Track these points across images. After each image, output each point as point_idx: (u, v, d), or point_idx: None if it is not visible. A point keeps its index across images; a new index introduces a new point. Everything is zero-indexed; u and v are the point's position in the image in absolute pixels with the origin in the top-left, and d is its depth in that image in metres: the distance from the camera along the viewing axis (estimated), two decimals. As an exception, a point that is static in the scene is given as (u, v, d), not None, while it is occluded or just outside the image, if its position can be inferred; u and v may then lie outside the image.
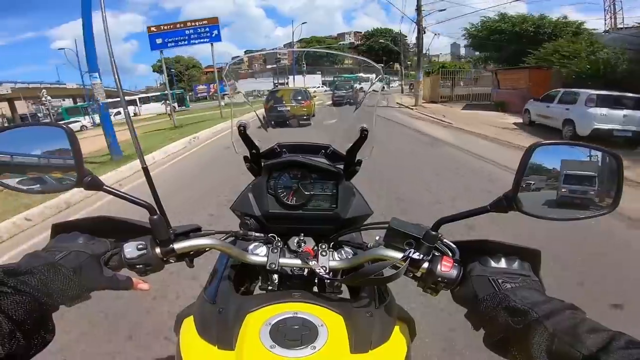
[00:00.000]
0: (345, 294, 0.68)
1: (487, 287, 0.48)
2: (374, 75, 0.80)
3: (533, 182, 0.50)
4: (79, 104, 31.51)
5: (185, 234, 0.59)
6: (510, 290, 0.46)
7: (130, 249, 0.54)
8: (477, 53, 29.46)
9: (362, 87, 0.95)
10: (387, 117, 11.65)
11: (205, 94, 39.88)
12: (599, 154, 0.50)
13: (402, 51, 35.83)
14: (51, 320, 0.45)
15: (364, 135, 0.67)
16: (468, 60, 25.45)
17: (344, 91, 1.45)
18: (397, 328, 0.56)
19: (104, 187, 0.52)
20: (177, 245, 0.56)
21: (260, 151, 0.74)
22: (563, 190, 0.50)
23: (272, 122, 0.79)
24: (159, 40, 14.79)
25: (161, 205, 0.56)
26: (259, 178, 0.73)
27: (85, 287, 0.49)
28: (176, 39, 14.96)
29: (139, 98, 30.55)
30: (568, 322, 0.39)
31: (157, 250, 0.55)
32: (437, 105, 16.52)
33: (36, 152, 0.54)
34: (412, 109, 15.33)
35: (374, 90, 0.80)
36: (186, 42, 15.03)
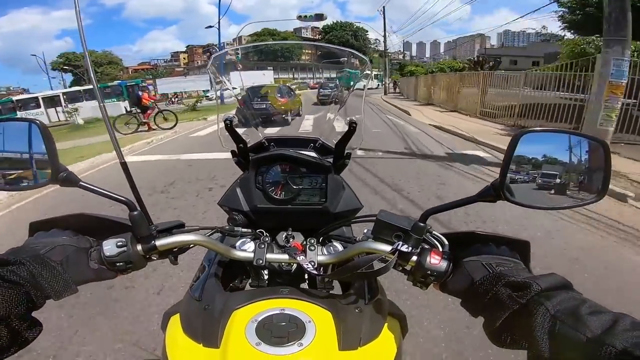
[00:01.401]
0: (337, 289, 0.69)
1: (481, 271, 0.50)
2: (359, 68, 0.83)
3: (520, 171, 0.52)
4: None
5: (168, 230, 0.60)
6: (506, 270, 0.48)
7: (110, 247, 0.54)
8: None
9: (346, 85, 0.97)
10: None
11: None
12: (586, 141, 0.52)
13: (385, 39, 31.96)
14: (34, 316, 0.47)
15: (352, 127, 0.70)
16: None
17: (329, 90, 1.23)
18: (387, 324, 0.58)
19: (80, 183, 0.53)
20: (159, 242, 0.57)
21: (248, 145, 0.75)
22: (550, 178, 0.52)
23: (245, 121, 0.83)
24: None
25: (142, 201, 0.57)
26: (247, 172, 0.75)
27: (72, 280, 0.51)
28: None
29: (64, 94, 21.98)
30: (569, 304, 0.39)
31: (138, 247, 0.56)
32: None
33: (10, 148, 0.55)
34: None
35: (358, 88, 0.81)
36: None
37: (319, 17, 15.74)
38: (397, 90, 30.35)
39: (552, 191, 0.53)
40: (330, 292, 0.67)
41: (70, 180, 0.53)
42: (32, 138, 0.52)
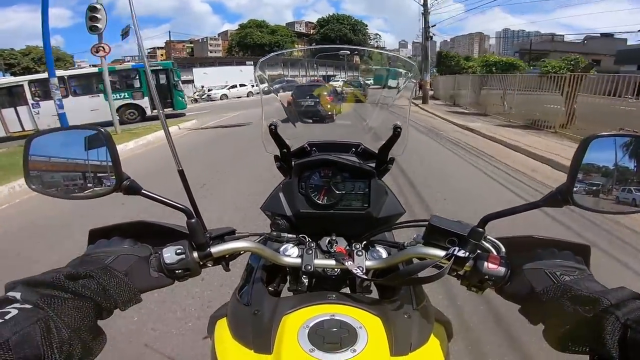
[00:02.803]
0: (374, 294, 0.72)
1: (544, 280, 0.51)
2: (403, 72, 0.87)
3: (589, 176, 0.53)
4: None
5: (221, 237, 0.64)
6: (571, 281, 0.49)
7: (170, 254, 0.58)
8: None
9: (369, 84, 1.07)
10: None
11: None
12: None
13: (425, 24, 19.19)
14: (100, 327, 0.50)
15: (397, 132, 0.72)
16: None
17: (353, 88, 1.16)
18: (434, 329, 0.60)
19: (143, 191, 0.57)
20: (214, 249, 0.61)
21: (291, 150, 0.78)
22: (619, 182, 0.53)
23: (294, 118, 0.88)
24: None
25: (197, 209, 0.61)
26: (289, 177, 0.78)
27: (137, 289, 0.54)
28: None
29: (32, 83, 13.59)
30: (639, 312, 0.41)
31: (195, 254, 0.59)
32: None
33: (74, 156, 0.58)
34: None
35: (406, 88, 0.84)
36: None
37: None
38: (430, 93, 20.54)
39: (621, 195, 0.54)
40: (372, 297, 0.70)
41: (133, 189, 0.56)
42: (96, 146, 0.55)
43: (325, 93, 1.10)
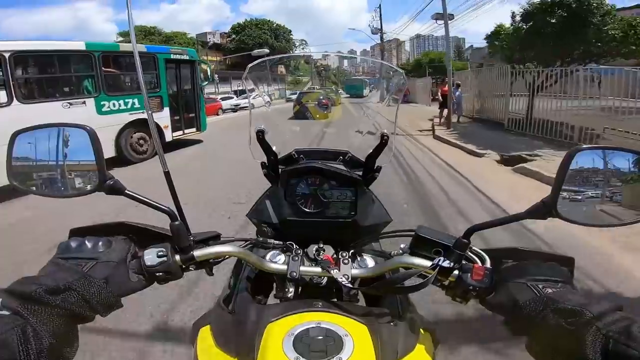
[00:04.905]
0: (361, 303, 0.74)
1: (527, 293, 0.53)
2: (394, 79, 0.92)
3: (573, 188, 0.54)
4: None
5: (205, 241, 0.63)
6: (554, 294, 0.51)
7: (151, 256, 0.57)
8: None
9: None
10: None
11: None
12: None
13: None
14: (77, 333, 0.52)
15: (384, 141, 0.74)
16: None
17: (355, 91, 1.32)
18: (421, 337, 0.62)
19: (126, 191, 0.57)
20: (197, 253, 0.60)
21: (278, 157, 0.79)
22: (603, 195, 0.55)
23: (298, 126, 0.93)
24: None
25: (182, 211, 0.61)
26: (276, 185, 0.79)
27: (117, 294, 0.56)
28: None
29: None
30: (621, 324, 0.43)
31: (177, 257, 0.59)
32: None
33: (57, 154, 0.57)
34: None
35: (394, 96, 0.87)
36: None
37: None
38: (475, 111, 11.97)
39: (605, 208, 0.55)
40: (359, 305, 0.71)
41: (116, 189, 0.56)
42: (81, 144, 0.55)
43: (315, 101, 1.10)
